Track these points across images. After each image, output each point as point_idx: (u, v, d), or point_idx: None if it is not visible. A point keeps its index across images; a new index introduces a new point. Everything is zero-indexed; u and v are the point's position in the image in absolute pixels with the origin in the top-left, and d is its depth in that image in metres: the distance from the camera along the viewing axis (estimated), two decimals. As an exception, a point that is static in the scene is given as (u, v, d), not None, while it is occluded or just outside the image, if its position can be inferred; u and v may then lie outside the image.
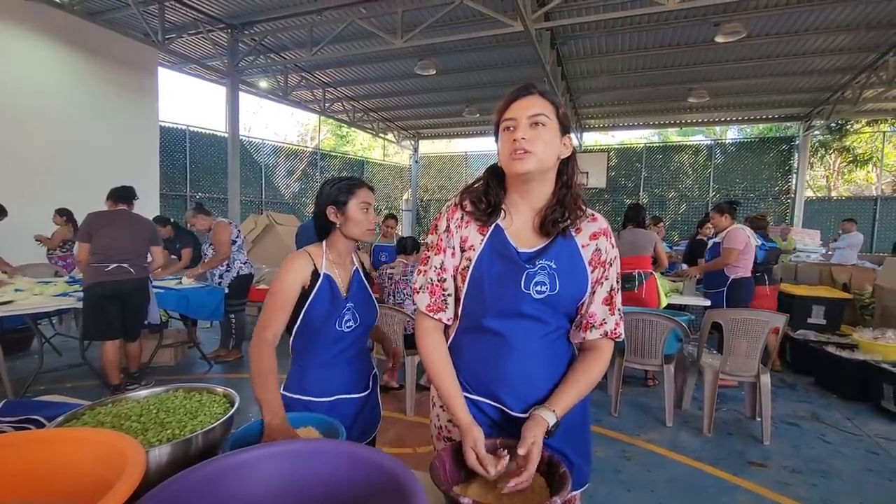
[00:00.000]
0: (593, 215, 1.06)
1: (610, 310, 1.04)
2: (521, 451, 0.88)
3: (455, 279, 1.06)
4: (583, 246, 1.03)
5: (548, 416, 0.94)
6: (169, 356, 4.42)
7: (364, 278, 1.50)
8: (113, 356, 3.43)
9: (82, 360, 3.93)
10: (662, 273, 4.46)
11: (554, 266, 0.99)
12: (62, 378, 3.94)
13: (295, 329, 1.37)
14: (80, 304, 3.43)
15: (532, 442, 0.89)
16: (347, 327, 1.39)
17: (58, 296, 3.64)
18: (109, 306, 3.37)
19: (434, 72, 8.08)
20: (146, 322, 3.67)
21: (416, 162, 14.59)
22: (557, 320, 1.03)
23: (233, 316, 4.57)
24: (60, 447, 0.72)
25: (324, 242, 1.42)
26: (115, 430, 0.89)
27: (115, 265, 3.35)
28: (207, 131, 10.16)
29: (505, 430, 1.02)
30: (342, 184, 1.41)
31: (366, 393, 1.47)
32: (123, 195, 3.58)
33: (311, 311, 1.35)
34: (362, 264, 1.54)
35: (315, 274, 1.37)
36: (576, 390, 1.00)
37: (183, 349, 4.66)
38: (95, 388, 3.62)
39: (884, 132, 12.08)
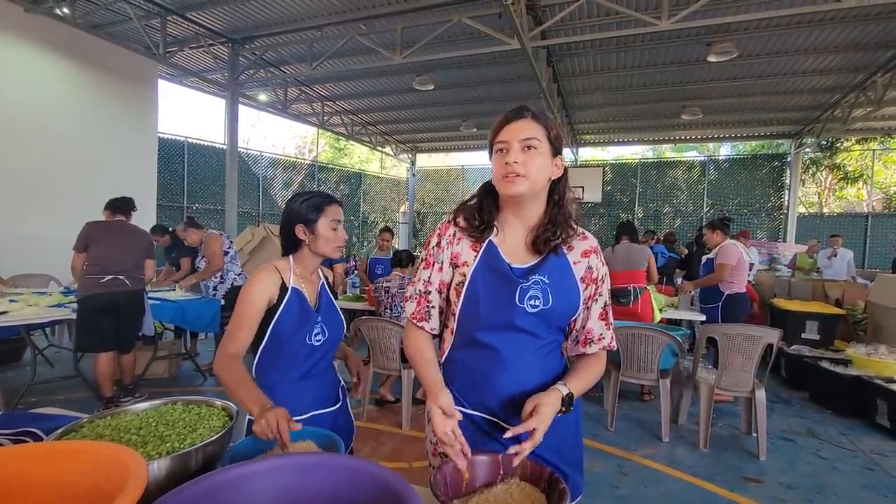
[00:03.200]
0: (584, 233, 1.10)
1: (606, 325, 1.09)
2: (527, 408, 0.94)
3: (449, 294, 1.09)
4: (574, 263, 1.06)
5: (562, 388, 0.99)
6: (163, 368, 4.39)
7: (329, 292, 1.50)
8: (106, 368, 3.40)
9: (75, 372, 3.90)
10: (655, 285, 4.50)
11: (547, 281, 1.02)
12: (54, 390, 3.90)
13: (261, 348, 1.34)
14: (74, 316, 3.41)
15: (538, 403, 0.94)
16: (317, 340, 1.38)
17: (52, 307, 3.62)
18: (103, 318, 3.35)
19: (432, 87, 8.19)
20: (140, 334, 3.64)
21: (414, 175, 14.68)
22: (550, 334, 1.06)
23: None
24: (62, 460, 0.72)
25: (291, 257, 1.41)
26: (115, 442, 0.90)
27: (110, 277, 3.34)
28: (205, 143, 10.20)
29: (500, 441, 1.04)
30: (311, 201, 1.37)
31: (337, 406, 1.46)
32: (122, 206, 3.58)
33: (279, 326, 1.32)
34: (327, 279, 1.54)
35: (283, 288, 1.35)
36: (584, 379, 1.06)
37: (177, 361, 4.62)
38: (88, 400, 3.59)
39: (873, 150, 12.30)
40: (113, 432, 0.96)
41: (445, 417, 0.96)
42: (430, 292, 1.09)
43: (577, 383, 1.03)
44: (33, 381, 3.60)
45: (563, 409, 0.97)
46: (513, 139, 1.00)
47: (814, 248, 8.06)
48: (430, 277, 1.09)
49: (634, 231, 4.26)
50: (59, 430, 0.94)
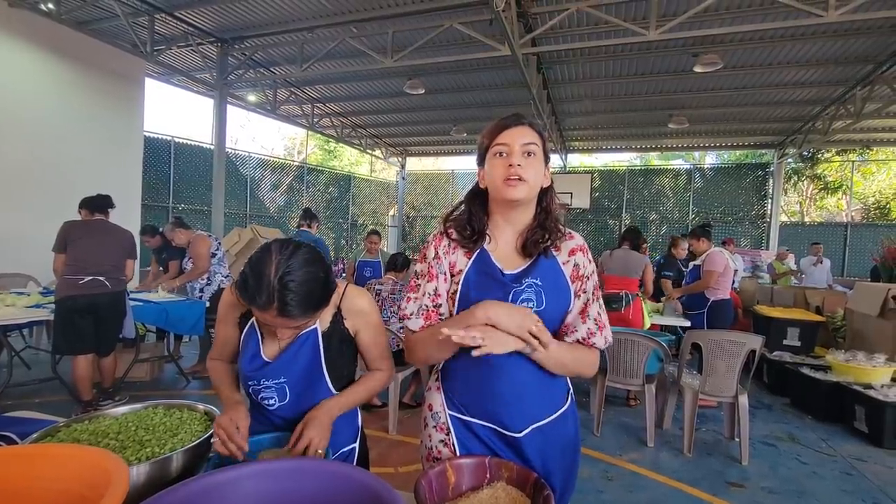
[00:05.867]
0: (570, 233, 1.11)
1: (582, 319, 1.06)
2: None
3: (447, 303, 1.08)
4: (563, 263, 1.07)
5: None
6: (144, 371, 4.29)
7: (321, 343, 1.10)
8: (85, 371, 3.31)
9: (53, 374, 3.79)
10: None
11: (540, 283, 1.02)
12: (31, 393, 3.80)
13: None
14: (52, 317, 3.32)
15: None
16: (267, 405, 1.10)
17: (30, 307, 3.53)
18: (81, 320, 3.26)
19: (423, 91, 8.20)
20: (121, 336, 3.56)
21: (403, 178, 14.66)
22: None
23: (213, 330, 4.48)
24: (41, 464, 0.70)
25: None
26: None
27: (90, 278, 3.26)
28: (193, 143, 10.08)
29: (499, 451, 1.04)
30: (246, 282, 0.95)
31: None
32: (100, 204, 3.48)
33: (239, 362, 1.12)
34: (338, 318, 1.14)
35: (248, 315, 1.11)
36: (568, 349, 1.03)
37: (160, 364, 4.54)
38: (66, 404, 3.49)
39: (852, 161, 12.62)
40: (91, 437, 0.93)
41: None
42: (440, 305, 1.06)
43: (562, 346, 1.01)
44: (9, 383, 3.51)
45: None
46: (514, 143, 1.01)
47: (783, 255, 8.29)
48: (436, 290, 1.06)
49: (637, 239, 4.29)
50: (35, 435, 0.92)
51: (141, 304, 3.83)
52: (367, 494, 0.75)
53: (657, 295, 4.92)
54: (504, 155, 1.01)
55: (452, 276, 1.07)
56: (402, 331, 1.14)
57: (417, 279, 1.10)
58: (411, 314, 1.07)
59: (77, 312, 3.24)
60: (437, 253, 1.08)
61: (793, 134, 10.26)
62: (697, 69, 6.73)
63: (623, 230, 4.40)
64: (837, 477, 2.93)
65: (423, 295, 1.07)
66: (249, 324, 1.11)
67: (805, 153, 12.05)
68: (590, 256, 1.12)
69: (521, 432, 1.03)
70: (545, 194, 1.08)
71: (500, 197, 1.03)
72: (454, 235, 1.08)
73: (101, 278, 3.30)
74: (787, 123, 9.77)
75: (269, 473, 0.80)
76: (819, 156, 12.62)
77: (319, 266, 1.00)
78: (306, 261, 0.97)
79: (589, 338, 1.06)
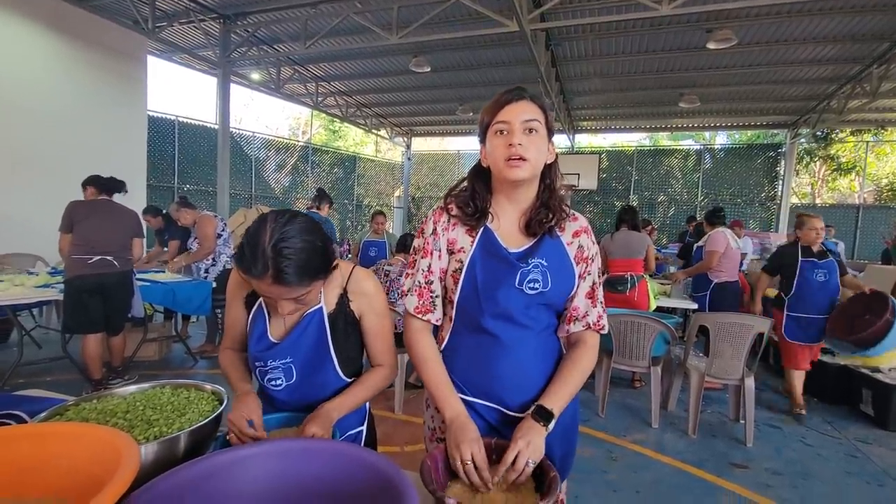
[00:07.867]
0: (574, 214, 1.10)
1: (592, 303, 1.07)
2: (508, 456, 0.89)
3: (446, 281, 1.07)
4: (567, 244, 1.06)
5: (549, 423, 0.95)
6: (153, 350, 4.35)
7: (328, 323, 1.09)
8: (94, 350, 3.35)
9: (63, 354, 3.84)
10: (651, 276, 4.51)
11: (545, 264, 1.01)
12: (42, 372, 3.86)
13: None
14: (61, 297, 3.35)
15: (521, 448, 0.89)
16: (273, 386, 1.10)
17: (39, 287, 3.56)
18: (90, 300, 3.29)
19: (428, 69, 8.05)
20: (130, 316, 3.59)
21: (409, 159, 14.54)
22: (549, 318, 1.06)
23: (219, 310, 4.51)
24: (52, 442, 0.70)
25: None
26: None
27: (98, 258, 3.27)
28: (197, 122, 10.00)
29: (500, 431, 1.03)
30: (238, 256, 0.96)
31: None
32: (110, 187, 3.47)
33: (248, 343, 1.12)
34: (343, 300, 1.13)
35: (256, 295, 1.10)
36: (569, 387, 1.02)
37: (168, 343, 4.59)
38: (76, 383, 3.55)
39: (867, 142, 12.34)
40: (99, 416, 0.93)
41: (470, 440, 0.91)
42: (432, 282, 1.07)
43: (562, 394, 1.00)
44: (20, 362, 3.56)
45: (543, 423, 0.95)
46: (515, 120, 0.97)
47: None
48: (430, 266, 1.06)
49: (635, 218, 4.21)
50: (44, 414, 0.92)
51: (148, 284, 3.85)
52: (378, 476, 0.74)
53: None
54: (505, 133, 0.98)
55: (453, 252, 1.06)
56: (405, 313, 1.13)
57: (415, 254, 1.10)
58: (409, 290, 1.08)
59: (86, 292, 3.27)
60: (435, 228, 1.07)
61: (807, 113, 10.02)
62: (710, 45, 6.54)
63: (619, 211, 4.28)
64: (842, 459, 2.94)
65: (418, 271, 1.07)
66: (257, 304, 1.11)
67: (818, 133, 11.79)
68: (593, 238, 1.11)
69: (522, 412, 1.02)
70: (549, 170, 1.06)
71: (502, 177, 1.01)
72: (455, 211, 1.06)
73: (108, 258, 3.32)
74: (801, 102, 9.53)
75: (279, 454, 0.80)
76: (833, 136, 12.34)
77: (317, 235, 0.99)
78: (302, 229, 0.96)
79: (598, 321, 1.07)
